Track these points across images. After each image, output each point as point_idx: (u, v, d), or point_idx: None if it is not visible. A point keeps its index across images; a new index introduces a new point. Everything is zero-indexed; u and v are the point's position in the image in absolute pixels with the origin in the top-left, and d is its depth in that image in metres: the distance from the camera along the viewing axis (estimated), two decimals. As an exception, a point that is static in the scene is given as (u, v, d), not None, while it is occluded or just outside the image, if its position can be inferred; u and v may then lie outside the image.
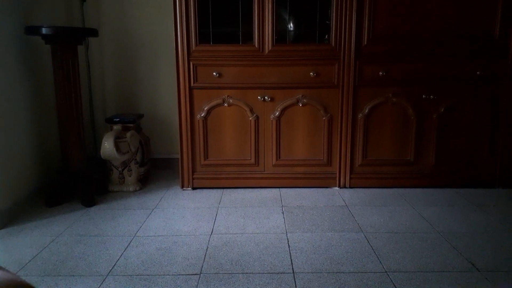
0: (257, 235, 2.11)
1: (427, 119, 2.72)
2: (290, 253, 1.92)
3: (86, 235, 2.12)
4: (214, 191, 2.78)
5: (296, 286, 1.65)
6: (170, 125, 3.29)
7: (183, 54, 2.61)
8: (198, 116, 2.71)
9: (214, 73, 2.64)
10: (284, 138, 2.75)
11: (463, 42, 2.62)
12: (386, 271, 1.76)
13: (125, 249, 1.97)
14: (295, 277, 1.71)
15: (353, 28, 2.59)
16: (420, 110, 2.70)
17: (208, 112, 2.71)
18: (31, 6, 2.59)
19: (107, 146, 2.61)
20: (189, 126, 2.71)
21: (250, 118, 2.72)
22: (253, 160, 2.78)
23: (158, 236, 2.12)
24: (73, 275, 1.74)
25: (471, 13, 2.59)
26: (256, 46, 2.62)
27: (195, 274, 1.74)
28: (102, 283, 1.68)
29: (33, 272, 1.77)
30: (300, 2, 2.69)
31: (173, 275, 1.74)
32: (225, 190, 2.80)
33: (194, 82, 2.66)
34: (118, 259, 1.88)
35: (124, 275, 1.74)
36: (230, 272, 1.76)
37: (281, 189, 2.80)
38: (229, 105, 2.70)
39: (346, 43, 2.61)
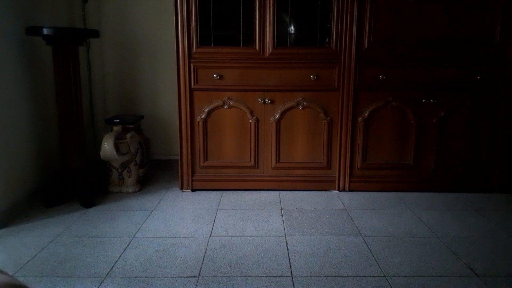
0: (256, 238, 2.11)
1: (426, 123, 2.72)
2: (289, 256, 1.92)
3: (85, 236, 2.12)
4: (214, 193, 2.78)
5: (294, 289, 1.65)
6: (170, 126, 3.29)
7: (184, 56, 2.61)
8: (198, 117, 2.71)
9: (215, 75, 2.64)
10: (284, 141, 2.75)
11: (463, 46, 2.62)
12: (385, 275, 1.76)
13: (124, 250, 1.97)
14: (294, 281, 1.71)
15: (353, 32, 2.59)
16: (420, 114, 2.70)
17: (208, 114, 2.71)
18: (33, 7, 2.59)
19: (107, 147, 2.61)
20: (189, 127, 2.71)
21: (250, 121, 2.72)
22: (252, 163, 2.78)
23: (157, 237, 2.11)
24: (72, 276, 1.74)
25: (471, 18, 2.59)
26: (257, 48, 2.62)
27: (194, 277, 1.74)
28: (100, 285, 1.68)
29: (31, 273, 1.76)
30: (301, 5, 2.69)
31: (171, 277, 1.74)
32: (224, 192, 2.79)
33: (194, 84, 2.66)
34: (117, 260, 1.88)
35: (123, 277, 1.74)
36: (228, 275, 1.76)
37: (280, 191, 2.80)
38: (229, 107, 2.70)
39: (347, 46, 2.61)
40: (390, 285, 1.68)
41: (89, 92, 3.22)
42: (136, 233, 2.16)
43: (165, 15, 3.07)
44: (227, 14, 2.70)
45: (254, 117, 2.72)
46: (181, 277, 1.74)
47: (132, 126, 2.84)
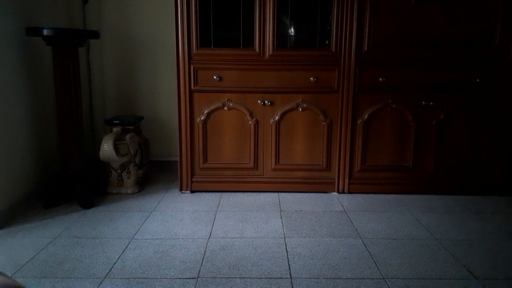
0: (255, 240, 2.11)
1: (426, 126, 2.72)
2: (288, 258, 1.92)
3: (84, 237, 2.12)
4: (213, 194, 2.78)
5: (293, 291, 1.65)
6: (170, 127, 3.29)
7: (183, 57, 2.62)
8: (198, 119, 2.71)
9: (215, 77, 2.64)
10: (284, 143, 2.75)
11: (463, 49, 2.63)
12: (383, 278, 1.76)
13: (123, 251, 1.97)
14: (293, 283, 1.71)
15: (353, 34, 2.60)
16: (419, 116, 2.71)
17: (208, 115, 2.71)
18: (33, 7, 2.59)
19: (106, 148, 2.61)
20: (188, 129, 2.71)
21: (250, 122, 2.72)
22: (252, 164, 2.78)
23: (156, 239, 2.11)
24: (70, 278, 1.74)
25: (471, 21, 2.60)
26: (257, 50, 2.63)
27: (193, 278, 1.74)
28: (99, 286, 1.68)
29: (30, 274, 1.76)
30: (301, 7, 2.70)
31: (170, 278, 1.74)
32: (223, 193, 2.79)
33: (194, 85, 2.66)
34: (116, 261, 1.88)
35: (121, 278, 1.74)
36: (227, 276, 1.76)
37: (280, 193, 2.80)
38: (229, 108, 2.70)
39: (347, 48, 2.62)
40: (389, 287, 1.68)
41: (89, 92, 3.22)
42: (135, 234, 2.16)
43: (165, 16, 3.07)
44: (227, 16, 2.70)
45: (254, 119, 2.72)
46: (180, 278, 1.74)
47: (131, 127, 2.84)
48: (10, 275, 1.76)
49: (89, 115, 3.24)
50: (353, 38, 2.60)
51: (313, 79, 2.65)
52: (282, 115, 2.71)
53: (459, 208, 2.58)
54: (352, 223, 2.33)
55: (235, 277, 1.75)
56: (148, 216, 2.41)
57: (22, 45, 2.46)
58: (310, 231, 2.21)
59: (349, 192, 2.80)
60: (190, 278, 1.74)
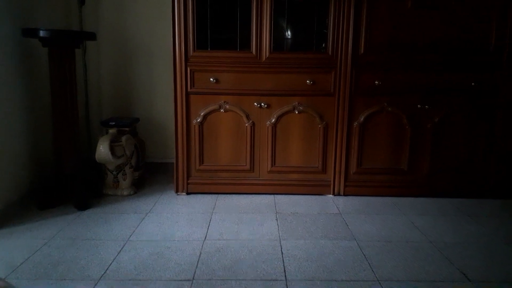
0: (250, 242, 2.11)
1: (421, 129, 2.74)
2: (283, 260, 1.92)
3: (79, 239, 2.11)
4: (209, 196, 2.78)
5: (288, 293, 1.65)
6: (166, 129, 3.29)
7: (180, 59, 2.62)
8: (194, 121, 2.71)
9: (211, 79, 2.65)
10: (280, 145, 2.76)
11: (458, 53, 2.64)
12: (378, 280, 1.76)
13: (118, 253, 1.97)
14: (288, 285, 1.71)
15: (350, 37, 2.61)
16: (415, 119, 2.72)
17: (204, 117, 2.72)
18: (29, 9, 2.59)
19: (102, 149, 2.61)
20: (185, 131, 2.72)
21: (246, 124, 2.73)
22: (248, 166, 2.78)
23: (151, 241, 2.11)
24: (65, 279, 1.73)
25: (467, 25, 2.62)
26: (254, 53, 2.64)
27: (188, 280, 1.74)
28: (93, 288, 1.67)
29: (24, 276, 1.75)
30: (298, 10, 2.71)
31: (165, 280, 1.74)
32: (219, 195, 2.79)
33: (191, 87, 2.67)
34: (111, 263, 1.87)
35: (116, 280, 1.73)
36: (222, 278, 1.76)
37: (275, 195, 2.80)
38: (226, 111, 2.71)
39: (343, 52, 2.63)
40: (383, 289, 1.69)
41: (85, 94, 3.22)
42: (130, 236, 2.16)
43: (162, 18, 3.08)
44: (224, 18, 2.71)
45: (250, 121, 2.72)
46: (175, 280, 1.74)
47: (127, 128, 2.84)
48: (4, 277, 1.75)
49: (85, 116, 3.24)
50: (350, 41, 2.62)
51: (310, 82, 2.66)
52: (279, 118, 2.72)
53: (454, 211, 2.59)
54: (347, 225, 2.34)
55: (230, 279, 1.75)
56: (144, 217, 2.41)
57: (19, 46, 2.46)
58: (305, 233, 2.22)
59: (345, 195, 2.81)
60: (185, 280, 1.74)
